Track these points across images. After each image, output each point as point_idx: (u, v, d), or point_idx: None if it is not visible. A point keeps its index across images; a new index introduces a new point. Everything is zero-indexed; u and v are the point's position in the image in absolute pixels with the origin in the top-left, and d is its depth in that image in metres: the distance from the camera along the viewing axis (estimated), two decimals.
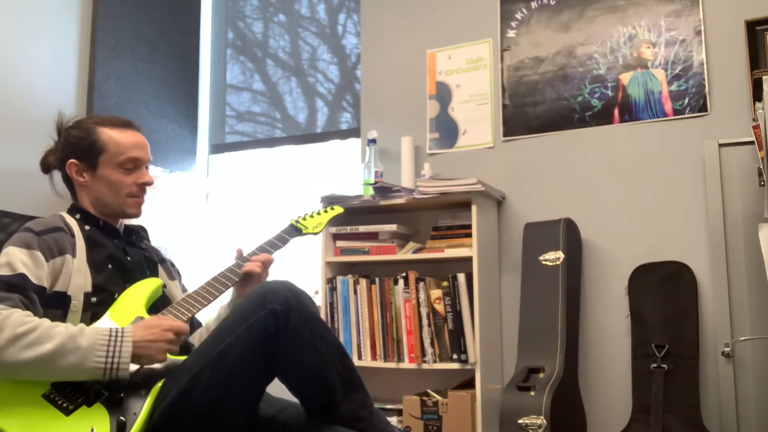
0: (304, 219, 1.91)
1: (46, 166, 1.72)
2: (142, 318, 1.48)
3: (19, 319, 1.31)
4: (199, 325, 1.79)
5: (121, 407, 1.30)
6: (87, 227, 1.60)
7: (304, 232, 1.85)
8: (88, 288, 1.49)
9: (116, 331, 1.35)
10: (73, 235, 1.55)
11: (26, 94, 2.87)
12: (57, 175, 1.71)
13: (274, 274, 1.73)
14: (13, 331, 1.29)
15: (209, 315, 1.76)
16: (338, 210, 2.04)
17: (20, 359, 1.28)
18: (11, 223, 2.46)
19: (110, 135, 1.64)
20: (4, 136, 2.76)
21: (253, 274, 1.65)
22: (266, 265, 1.69)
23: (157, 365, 1.39)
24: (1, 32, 2.79)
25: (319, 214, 1.98)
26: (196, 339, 1.73)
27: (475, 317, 2.39)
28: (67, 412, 1.27)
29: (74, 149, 1.64)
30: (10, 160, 2.77)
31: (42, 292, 1.43)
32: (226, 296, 1.70)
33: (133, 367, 1.35)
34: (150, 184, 1.68)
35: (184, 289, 1.80)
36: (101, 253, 1.57)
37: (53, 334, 1.31)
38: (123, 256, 1.62)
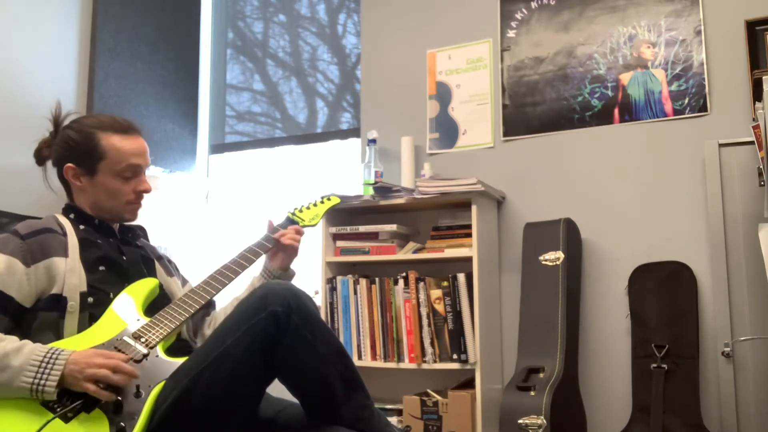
0: (301, 211, 1.89)
1: (41, 159, 1.69)
2: (138, 320, 1.47)
3: None
4: (214, 308, 1.80)
5: (120, 412, 1.28)
6: (81, 227, 1.59)
7: (300, 224, 1.83)
8: (84, 288, 1.48)
9: (52, 353, 1.32)
10: (65, 235, 1.53)
11: (26, 94, 2.87)
12: (52, 169, 1.67)
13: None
14: None
15: (240, 287, 1.77)
16: (335, 200, 2.01)
17: None
18: (9, 223, 2.47)
19: (111, 141, 1.59)
20: (4, 136, 2.76)
21: (288, 247, 1.75)
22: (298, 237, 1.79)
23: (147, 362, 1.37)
24: (1, 32, 2.79)
25: (315, 205, 1.95)
26: (210, 326, 1.74)
27: (475, 317, 2.39)
28: (66, 420, 1.26)
29: (72, 153, 1.60)
30: (10, 160, 2.76)
31: (6, 301, 1.41)
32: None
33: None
34: (148, 191, 1.65)
35: (184, 282, 1.79)
36: (95, 253, 1.55)
37: None
38: (118, 255, 1.61)
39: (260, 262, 1.76)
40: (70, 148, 1.60)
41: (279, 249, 1.77)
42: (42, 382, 1.29)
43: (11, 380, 1.29)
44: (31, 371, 1.29)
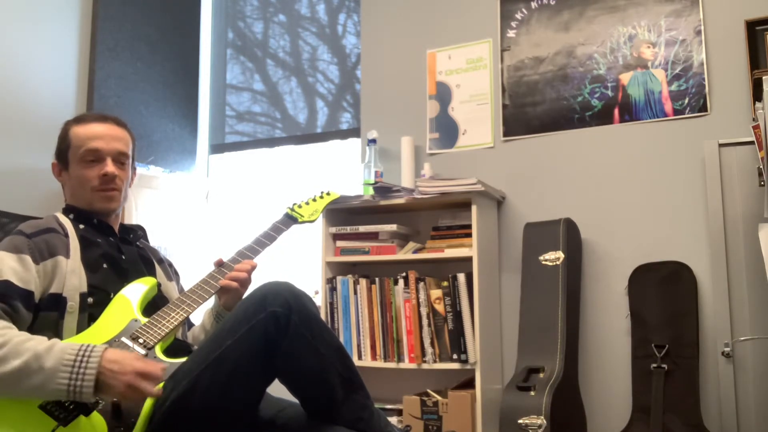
0: (300, 207, 1.89)
1: None
2: (136, 321, 1.47)
3: None
4: (192, 325, 1.78)
5: (119, 414, 1.27)
6: (81, 226, 1.59)
7: (300, 220, 1.82)
8: (84, 288, 1.48)
9: (84, 351, 1.28)
10: (66, 235, 1.53)
11: (26, 95, 2.86)
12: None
13: (274, 274, 1.72)
14: None
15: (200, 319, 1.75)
16: (334, 195, 2.01)
17: None
18: (9, 223, 2.47)
19: (75, 130, 1.63)
20: (4, 136, 2.76)
21: (230, 289, 1.60)
22: (250, 272, 1.63)
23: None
24: (1, 32, 2.79)
25: (314, 200, 1.95)
26: (190, 338, 1.73)
27: (475, 317, 2.39)
28: (65, 423, 1.25)
29: (56, 150, 1.66)
30: (10, 160, 2.76)
31: (28, 296, 1.41)
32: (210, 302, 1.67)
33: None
34: (107, 175, 1.59)
35: (181, 290, 1.78)
36: (95, 252, 1.56)
37: (22, 350, 1.26)
38: (118, 254, 1.61)
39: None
40: (56, 147, 1.66)
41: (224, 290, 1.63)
42: (78, 383, 1.24)
43: (46, 382, 1.24)
44: (65, 372, 1.25)
